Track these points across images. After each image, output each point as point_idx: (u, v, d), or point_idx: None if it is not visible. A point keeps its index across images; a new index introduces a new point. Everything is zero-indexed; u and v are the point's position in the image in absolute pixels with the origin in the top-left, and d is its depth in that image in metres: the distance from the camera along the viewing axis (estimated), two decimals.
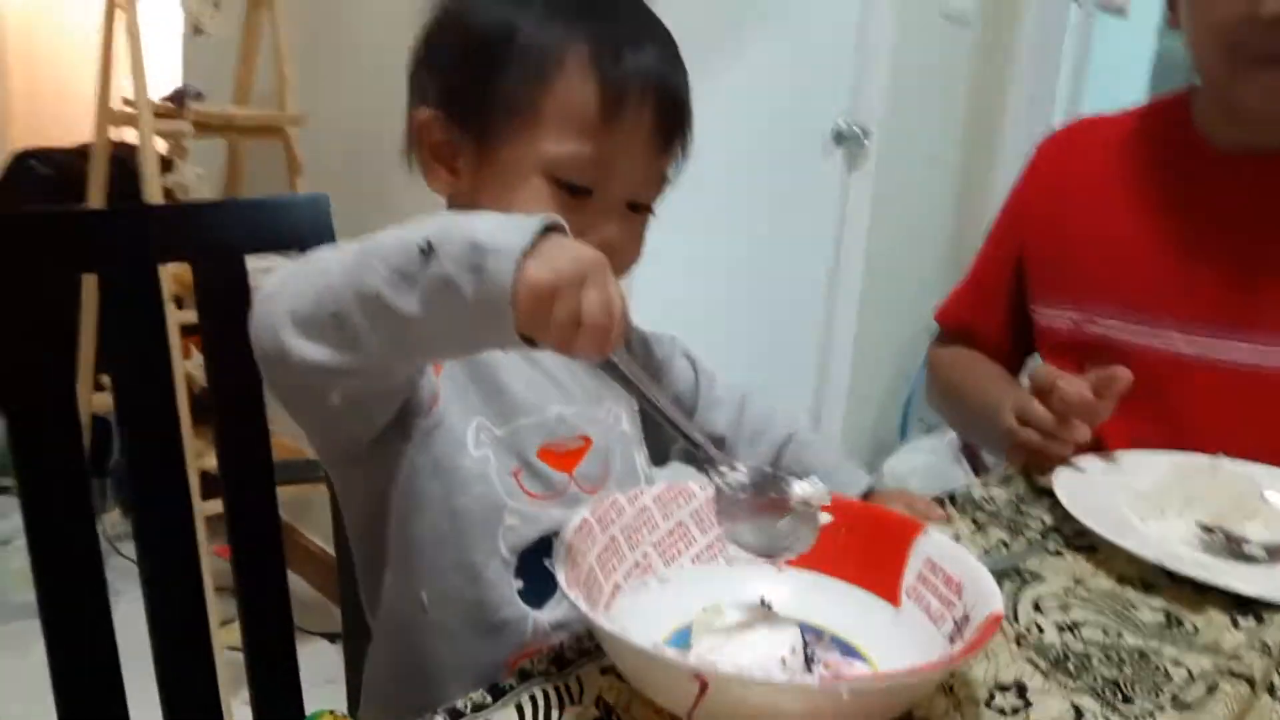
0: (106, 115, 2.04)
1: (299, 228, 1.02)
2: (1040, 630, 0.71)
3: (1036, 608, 0.74)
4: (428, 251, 0.53)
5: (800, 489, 0.63)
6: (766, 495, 0.64)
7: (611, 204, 0.75)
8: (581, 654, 0.64)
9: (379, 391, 0.68)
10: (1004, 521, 0.90)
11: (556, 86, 0.72)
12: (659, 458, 0.93)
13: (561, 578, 0.59)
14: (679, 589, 0.68)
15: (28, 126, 4.16)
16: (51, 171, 2.58)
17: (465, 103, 0.75)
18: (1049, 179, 1.25)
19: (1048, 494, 0.93)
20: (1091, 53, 2.76)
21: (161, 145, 2.09)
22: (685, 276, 2.17)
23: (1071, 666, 0.66)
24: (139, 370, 0.89)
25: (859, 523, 0.71)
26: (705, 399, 0.96)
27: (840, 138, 2.44)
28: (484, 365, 0.76)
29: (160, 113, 1.94)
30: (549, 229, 0.54)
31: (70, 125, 2.74)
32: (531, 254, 0.52)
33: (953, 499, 0.95)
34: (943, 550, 0.66)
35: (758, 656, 0.58)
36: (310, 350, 0.60)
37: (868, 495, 0.91)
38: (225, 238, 0.96)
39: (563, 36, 0.72)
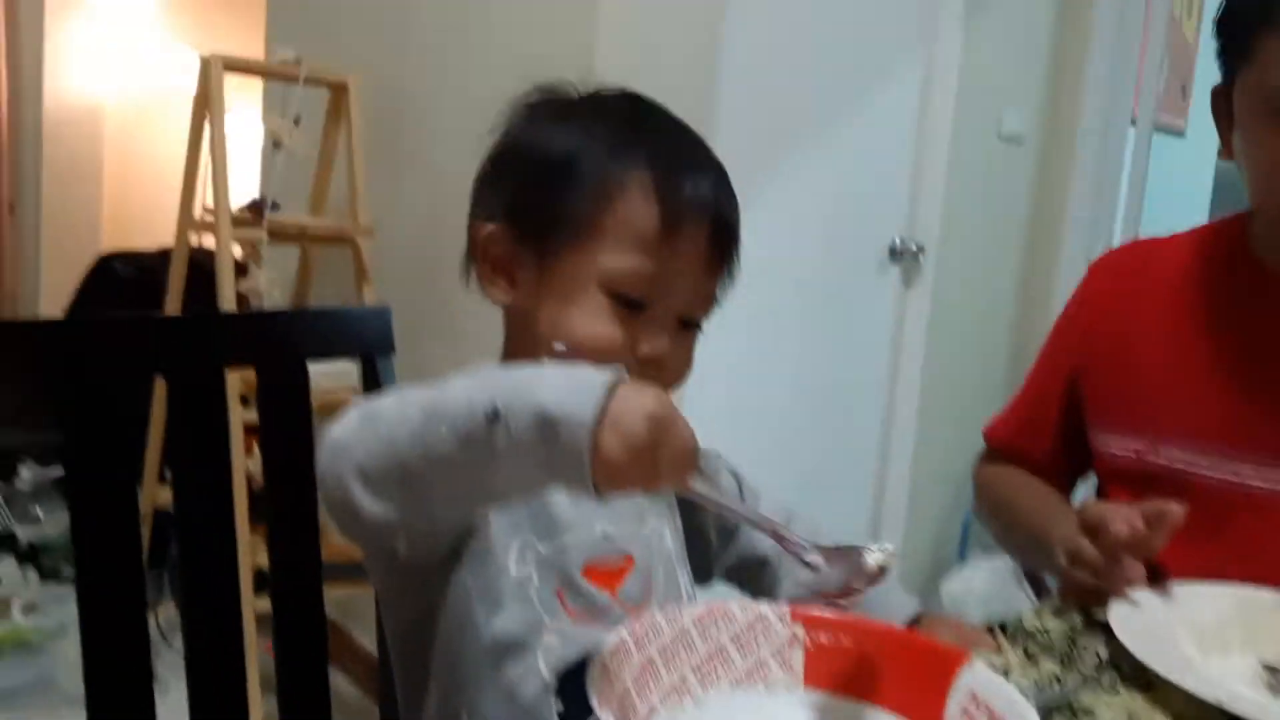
0: (188, 222, 2.14)
1: (362, 337, 1.06)
2: None
3: None
4: (495, 419, 0.55)
5: (873, 559, 0.66)
6: (840, 569, 0.66)
7: (664, 319, 0.77)
8: None
9: (443, 533, 0.71)
10: (1057, 654, 0.88)
11: (618, 206, 0.75)
12: (702, 576, 0.93)
13: (595, 699, 0.58)
14: (716, 714, 0.67)
15: (116, 230, 4.40)
16: (134, 273, 2.71)
17: (529, 218, 0.78)
18: (1105, 301, 1.24)
19: (1104, 626, 0.90)
20: (1150, 172, 2.77)
21: (238, 251, 2.18)
22: (739, 391, 2.19)
23: None
24: (199, 469, 0.92)
25: (901, 650, 0.69)
26: None
27: (896, 254, 2.46)
28: None
29: (239, 221, 2.03)
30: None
31: (155, 230, 2.89)
32: (602, 421, 0.53)
33: (1004, 628, 0.92)
34: (987, 684, 0.64)
35: None
36: (379, 508, 0.63)
37: (916, 621, 0.89)
38: (291, 345, 1.00)
39: (626, 161, 0.76)
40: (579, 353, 0.73)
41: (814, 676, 0.71)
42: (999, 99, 2.52)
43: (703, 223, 0.77)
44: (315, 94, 2.18)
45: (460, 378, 0.60)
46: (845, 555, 0.66)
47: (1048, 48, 2.62)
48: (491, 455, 0.56)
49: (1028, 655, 0.87)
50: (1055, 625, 0.94)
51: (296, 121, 2.12)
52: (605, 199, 0.75)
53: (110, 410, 0.84)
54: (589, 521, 0.78)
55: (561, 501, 0.77)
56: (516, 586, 0.73)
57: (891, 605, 0.88)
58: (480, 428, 0.56)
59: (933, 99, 2.41)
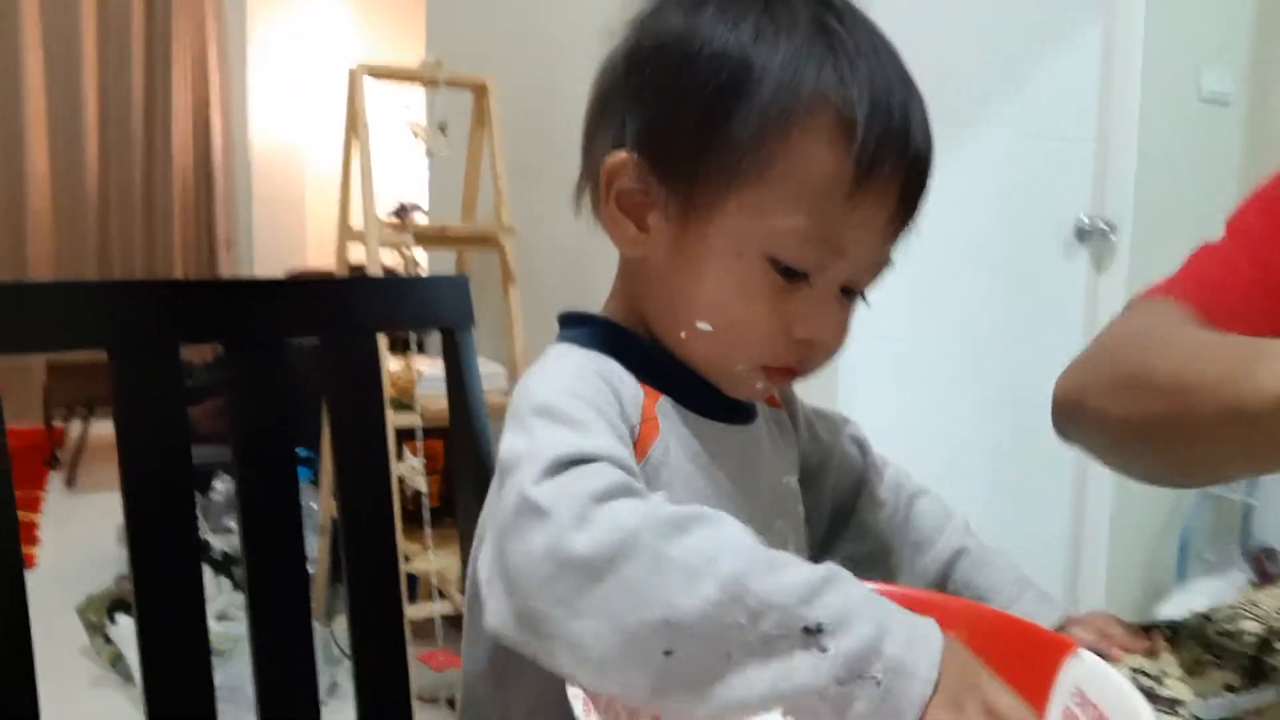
0: (346, 233, 2.20)
1: (438, 308, 1.01)
2: None
3: None
4: (816, 632, 0.46)
5: None
6: None
7: (826, 291, 0.62)
8: None
9: None
10: (1239, 663, 0.69)
11: (797, 144, 0.58)
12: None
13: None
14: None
15: (321, 250, 4.67)
16: None
17: (672, 150, 0.61)
18: None
19: None
20: None
21: (396, 259, 2.22)
22: (916, 393, 2.01)
23: None
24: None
25: (992, 637, 0.55)
26: (867, 498, 0.82)
27: (1084, 234, 2.21)
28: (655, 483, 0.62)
29: (387, 227, 2.06)
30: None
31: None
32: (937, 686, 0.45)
33: (1175, 630, 0.75)
34: (1097, 678, 0.49)
35: None
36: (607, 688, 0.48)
37: (1061, 629, 0.72)
38: (359, 314, 0.96)
39: (812, 81, 0.58)
40: (728, 332, 0.61)
41: None
42: (1197, 57, 2.24)
43: (898, 171, 0.59)
44: (463, 99, 2.20)
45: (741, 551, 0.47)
46: None
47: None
48: (792, 670, 0.46)
49: (1196, 664, 0.69)
50: (1250, 628, 0.75)
51: (443, 127, 2.13)
52: (782, 134, 0.58)
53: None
54: None
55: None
56: None
57: (1028, 610, 0.71)
58: (795, 637, 0.46)
59: (1116, 60, 2.16)
